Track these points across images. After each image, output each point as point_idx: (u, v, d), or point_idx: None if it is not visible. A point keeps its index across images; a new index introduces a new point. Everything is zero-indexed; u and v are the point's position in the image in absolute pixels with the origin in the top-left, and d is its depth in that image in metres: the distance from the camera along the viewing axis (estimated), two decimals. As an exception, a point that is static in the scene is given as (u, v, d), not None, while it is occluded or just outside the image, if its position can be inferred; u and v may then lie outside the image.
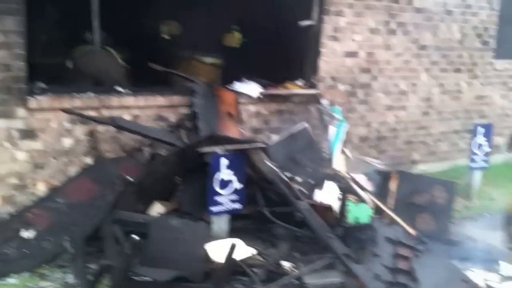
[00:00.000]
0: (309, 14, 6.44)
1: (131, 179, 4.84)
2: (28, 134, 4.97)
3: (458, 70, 7.77)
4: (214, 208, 4.59)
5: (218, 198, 4.60)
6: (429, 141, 7.67)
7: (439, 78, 7.60)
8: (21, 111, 4.93)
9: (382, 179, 5.65)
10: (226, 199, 4.65)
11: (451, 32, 7.56)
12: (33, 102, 4.97)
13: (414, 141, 7.52)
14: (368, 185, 5.50)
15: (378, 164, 6.09)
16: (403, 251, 4.51)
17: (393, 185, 5.53)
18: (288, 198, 4.66)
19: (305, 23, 6.43)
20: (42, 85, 5.36)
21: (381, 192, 5.53)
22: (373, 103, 7.03)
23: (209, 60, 7.05)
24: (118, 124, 5.12)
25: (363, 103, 6.95)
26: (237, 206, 4.73)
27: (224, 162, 4.60)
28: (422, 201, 5.46)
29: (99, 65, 6.46)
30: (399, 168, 6.53)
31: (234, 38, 6.83)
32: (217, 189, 4.59)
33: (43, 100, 5.03)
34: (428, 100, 7.55)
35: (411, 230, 4.95)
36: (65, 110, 5.02)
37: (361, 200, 5.13)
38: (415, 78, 7.35)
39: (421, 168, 7.48)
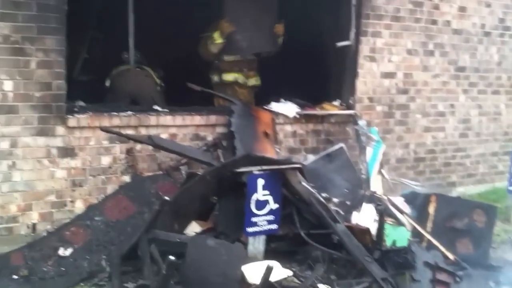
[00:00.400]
0: (346, 35, 6.43)
1: (168, 198, 4.85)
2: (67, 152, 5.04)
3: (496, 92, 7.65)
4: (250, 229, 4.56)
5: (254, 219, 4.56)
6: (467, 163, 7.54)
7: (478, 99, 7.49)
8: (60, 129, 5.00)
9: (420, 202, 5.54)
10: (262, 220, 4.61)
11: (489, 54, 7.48)
12: (72, 121, 5.04)
13: (452, 162, 7.39)
14: (406, 208, 5.41)
15: (416, 186, 5.99)
16: (442, 276, 4.40)
17: (431, 208, 5.42)
18: (325, 220, 4.60)
19: (342, 43, 6.42)
20: (82, 103, 5.45)
21: (419, 215, 5.42)
22: (411, 124, 6.96)
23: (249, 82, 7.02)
24: (155, 143, 5.16)
25: (401, 124, 6.87)
26: (273, 226, 4.68)
27: (260, 182, 4.57)
28: (461, 225, 5.33)
29: (136, 83, 6.55)
30: (437, 190, 6.41)
31: (280, 28, 6.72)
32: (254, 209, 4.56)
33: (82, 119, 5.10)
34: (466, 121, 7.44)
35: (450, 255, 4.84)
36: (104, 129, 5.08)
37: (399, 223, 5.04)
38: (453, 100, 7.26)
39: (459, 190, 7.34)
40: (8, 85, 4.75)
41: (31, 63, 4.82)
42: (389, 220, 5.00)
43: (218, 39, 6.39)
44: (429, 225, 5.36)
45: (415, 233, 5.16)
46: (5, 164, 4.82)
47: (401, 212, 5.23)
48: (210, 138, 5.66)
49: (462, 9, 7.12)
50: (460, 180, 7.48)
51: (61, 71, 4.98)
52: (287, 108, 6.06)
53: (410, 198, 5.64)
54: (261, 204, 4.59)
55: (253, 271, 4.17)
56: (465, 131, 7.45)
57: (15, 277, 4.27)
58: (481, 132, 7.60)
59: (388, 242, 4.82)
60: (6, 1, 4.65)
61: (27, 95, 4.83)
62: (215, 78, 6.80)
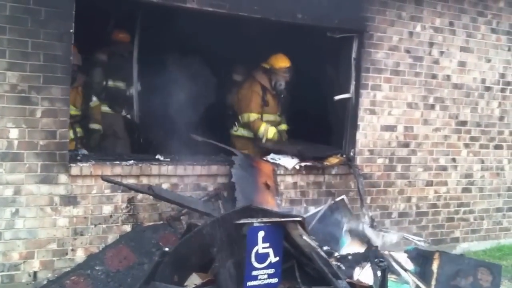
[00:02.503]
0: (346, 87, 6.50)
1: (167, 249, 4.80)
2: (70, 200, 5.04)
3: (499, 147, 7.65)
4: (250, 283, 4.49)
5: (254, 272, 4.50)
6: (471, 218, 7.47)
7: (480, 154, 7.48)
8: (63, 177, 5.01)
9: (423, 259, 5.47)
10: (262, 273, 4.55)
11: (490, 109, 7.50)
12: (75, 169, 5.05)
13: (455, 217, 7.33)
14: (409, 265, 5.33)
15: (419, 241, 5.92)
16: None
17: (435, 266, 5.34)
18: (326, 276, 4.54)
19: (340, 97, 6.48)
20: (84, 151, 5.48)
21: (423, 272, 5.34)
22: (412, 177, 6.94)
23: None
24: (155, 193, 5.15)
25: (402, 177, 6.86)
26: (273, 280, 4.61)
27: (261, 234, 4.54)
28: (466, 284, 5.24)
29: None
30: (440, 245, 6.36)
31: None
32: (254, 262, 4.50)
33: (85, 167, 5.11)
34: (469, 176, 7.41)
35: (454, 313, 4.75)
36: (105, 179, 5.08)
37: (402, 280, 4.96)
38: (455, 154, 7.26)
39: (463, 246, 7.29)
40: (13, 133, 4.80)
41: (37, 111, 4.88)
42: (392, 277, 4.92)
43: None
44: (433, 283, 5.28)
45: (419, 291, 5.07)
46: (9, 211, 4.83)
47: (404, 269, 5.16)
48: (211, 188, 5.67)
49: (462, 63, 7.18)
50: (464, 235, 7.40)
51: (65, 119, 5.02)
52: (287, 159, 6.08)
53: (413, 254, 5.56)
54: (261, 257, 4.53)
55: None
56: (468, 186, 7.41)
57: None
58: (484, 187, 7.55)
59: (391, 300, 4.72)
60: (15, 51, 4.74)
61: (31, 143, 4.87)
62: (242, 131, 6.85)
